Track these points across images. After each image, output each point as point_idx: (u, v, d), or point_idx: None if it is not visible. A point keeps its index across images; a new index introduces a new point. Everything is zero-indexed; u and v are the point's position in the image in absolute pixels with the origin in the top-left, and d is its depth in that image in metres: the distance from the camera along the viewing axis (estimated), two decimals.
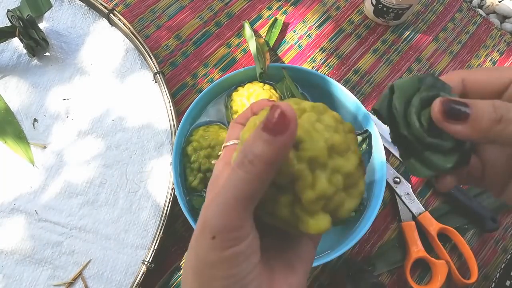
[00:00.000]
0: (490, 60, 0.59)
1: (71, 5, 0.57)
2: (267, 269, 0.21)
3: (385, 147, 0.45)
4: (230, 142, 0.24)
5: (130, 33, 0.53)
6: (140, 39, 0.53)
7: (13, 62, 0.54)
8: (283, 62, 0.56)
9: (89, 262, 0.46)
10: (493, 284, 0.44)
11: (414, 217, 0.48)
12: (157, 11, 0.58)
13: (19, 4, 0.57)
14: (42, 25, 0.56)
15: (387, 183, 0.49)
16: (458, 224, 0.49)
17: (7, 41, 0.54)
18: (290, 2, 0.60)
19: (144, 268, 0.44)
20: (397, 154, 0.52)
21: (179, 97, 0.54)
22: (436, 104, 0.19)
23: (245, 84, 0.48)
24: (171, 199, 0.46)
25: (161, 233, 0.45)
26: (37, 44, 0.53)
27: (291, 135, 0.17)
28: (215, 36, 0.57)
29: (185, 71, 0.55)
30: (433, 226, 0.47)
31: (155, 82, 0.53)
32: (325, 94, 0.48)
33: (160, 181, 0.49)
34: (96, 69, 0.54)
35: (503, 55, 0.59)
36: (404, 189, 0.49)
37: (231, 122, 0.25)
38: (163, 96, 0.51)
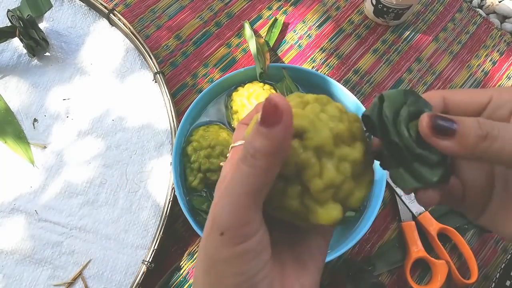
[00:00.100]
0: (490, 60, 0.59)
1: (71, 5, 0.57)
2: (278, 264, 0.21)
3: None
4: (237, 143, 0.24)
5: (130, 33, 0.53)
6: (140, 39, 0.53)
7: (13, 62, 0.54)
8: (283, 62, 0.56)
9: (89, 262, 0.46)
10: (493, 284, 0.44)
11: (414, 217, 0.48)
12: (157, 11, 0.58)
13: (19, 4, 0.57)
14: (42, 25, 0.56)
15: (387, 183, 0.49)
16: (458, 224, 0.49)
17: (7, 41, 0.54)
18: (290, 2, 0.60)
19: (144, 268, 0.44)
20: None
21: (179, 97, 0.54)
22: (424, 119, 0.19)
23: (245, 84, 0.48)
24: (171, 199, 0.46)
25: (161, 233, 0.45)
26: (37, 44, 0.53)
27: (286, 124, 0.17)
28: (215, 36, 0.57)
29: (185, 71, 0.55)
30: (433, 226, 0.47)
31: (155, 82, 0.53)
32: (325, 94, 0.47)
33: (160, 181, 0.49)
34: (96, 69, 0.54)
35: (503, 55, 0.59)
36: None
37: (237, 124, 0.25)
38: (163, 96, 0.51)
